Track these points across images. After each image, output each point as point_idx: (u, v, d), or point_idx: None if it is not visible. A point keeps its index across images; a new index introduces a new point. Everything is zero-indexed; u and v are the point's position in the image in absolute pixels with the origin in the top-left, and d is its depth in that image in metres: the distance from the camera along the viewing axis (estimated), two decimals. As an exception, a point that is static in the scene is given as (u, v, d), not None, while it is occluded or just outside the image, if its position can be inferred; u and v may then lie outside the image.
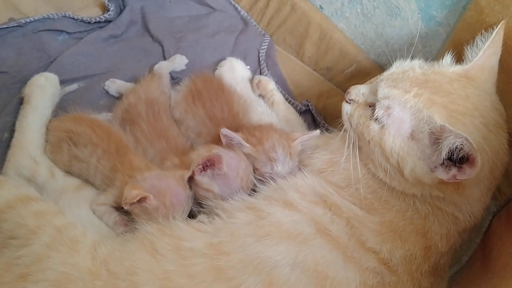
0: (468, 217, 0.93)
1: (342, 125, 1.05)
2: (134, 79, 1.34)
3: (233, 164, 1.01)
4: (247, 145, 1.04)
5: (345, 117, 1.02)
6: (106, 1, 1.46)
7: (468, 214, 0.93)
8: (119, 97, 1.29)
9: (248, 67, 1.45)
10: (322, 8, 1.46)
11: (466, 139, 0.78)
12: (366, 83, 1.05)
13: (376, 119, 0.92)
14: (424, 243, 0.91)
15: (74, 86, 1.30)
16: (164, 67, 1.35)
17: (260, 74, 1.46)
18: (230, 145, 1.06)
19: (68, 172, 1.10)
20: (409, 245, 0.89)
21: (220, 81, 1.29)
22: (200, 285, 0.81)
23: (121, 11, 1.51)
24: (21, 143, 1.11)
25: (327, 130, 1.33)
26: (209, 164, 0.99)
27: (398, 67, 0.97)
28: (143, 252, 0.85)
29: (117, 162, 1.03)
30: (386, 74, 0.97)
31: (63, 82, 1.27)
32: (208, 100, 1.20)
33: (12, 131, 1.15)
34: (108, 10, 1.46)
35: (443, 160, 0.85)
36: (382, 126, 0.91)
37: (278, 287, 0.80)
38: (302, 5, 1.47)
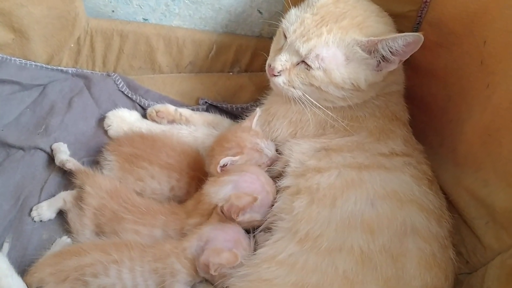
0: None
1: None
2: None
3: (255, 187, 1.06)
4: (238, 157, 1.11)
5: (283, 86, 1.12)
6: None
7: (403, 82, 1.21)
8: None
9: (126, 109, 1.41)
10: (147, 19, 1.48)
11: (403, 36, 0.99)
12: (272, 51, 1.17)
13: (315, 68, 1.07)
14: (402, 121, 1.15)
15: (6, 246, 1.12)
16: (64, 157, 1.23)
17: (143, 108, 1.45)
18: (226, 170, 1.10)
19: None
20: (397, 130, 1.12)
21: (138, 132, 1.28)
22: (327, 274, 0.89)
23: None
24: None
25: (242, 109, 1.45)
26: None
27: (293, 23, 1.09)
28: None
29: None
30: (290, 35, 1.08)
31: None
32: (149, 153, 1.19)
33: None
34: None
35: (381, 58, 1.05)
36: (324, 69, 1.06)
37: (377, 225, 0.93)
38: (128, 28, 1.46)
